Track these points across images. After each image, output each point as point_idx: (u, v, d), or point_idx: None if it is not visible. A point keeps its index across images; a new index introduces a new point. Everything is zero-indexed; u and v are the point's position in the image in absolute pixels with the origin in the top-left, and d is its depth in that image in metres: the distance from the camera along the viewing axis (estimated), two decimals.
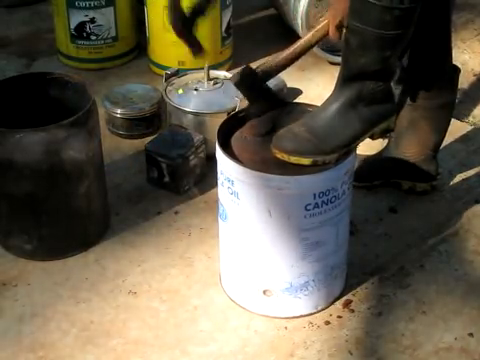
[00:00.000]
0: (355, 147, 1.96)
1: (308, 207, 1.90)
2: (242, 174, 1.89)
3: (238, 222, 1.98)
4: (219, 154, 1.95)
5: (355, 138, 1.94)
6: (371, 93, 1.93)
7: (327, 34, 1.97)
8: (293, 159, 1.90)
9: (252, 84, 2.00)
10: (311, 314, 2.09)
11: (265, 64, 2.01)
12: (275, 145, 1.92)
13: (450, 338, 2.02)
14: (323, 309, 2.10)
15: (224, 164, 1.94)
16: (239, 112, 2.10)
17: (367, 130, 1.95)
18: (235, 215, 1.98)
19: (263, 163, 1.92)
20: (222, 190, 1.99)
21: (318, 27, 1.99)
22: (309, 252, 1.98)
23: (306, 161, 1.90)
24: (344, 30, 1.90)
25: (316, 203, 1.90)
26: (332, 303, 2.12)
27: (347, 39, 1.88)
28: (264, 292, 2.05)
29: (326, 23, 1.97)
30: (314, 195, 1.89)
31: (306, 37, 2.02)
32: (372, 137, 1.99)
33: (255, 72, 1.99)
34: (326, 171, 1.90)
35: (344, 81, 1.93)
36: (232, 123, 2.05)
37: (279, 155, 1.91)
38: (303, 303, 2.07)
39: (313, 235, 1.95)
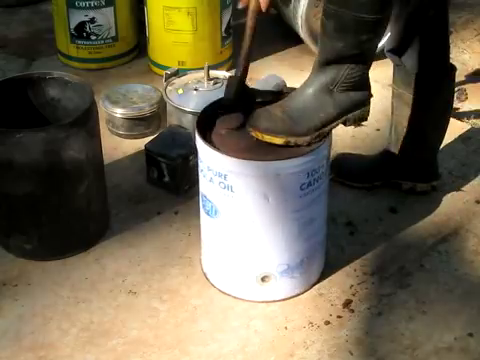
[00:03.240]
0: (328, 131, 1.98)
1: (303, 186, 1.95)
2: (238, 166, 1.91)
3: (233, 215, 2.00)
4: (207, 151, 1.96)
5: (327, 122, 1.96)
6: (347, 78, 1.94)
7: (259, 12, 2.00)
8: (267, 137, 1.92)
9: (243, 91, 2.03)
10: (305, 291, 2.13)
11: (238, 66, 2.04)
12: (250, 124, 1.94)
13: (450, 338, 2.02)
14: (314, 284, 2.16)
15: (215, 159, 1.95)
16: (208, 109, 2.11)
17: (340, 115, 1.97)
18: (229, 208, 1.99)
19: (250, 152, 1.94)
20: (210, 186, 2.00)
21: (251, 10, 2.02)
22: (302, 230, 2.03)
23: (279, 140, 1.92)
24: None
25: (309, 182, 1.96)
26: (319, 279, 2.18)
27: (324, 23, 1.90)
28: (263, 279, 2.07)
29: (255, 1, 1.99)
30: (308, 174, 1.94)
31: (248, 16, 2.04)
32: (345, 123, 2.01)
33: (239, 78, 2.01)
34: (317, 149, 1.94)
35: (321, 65, 1.95)
36: (205, 120, 2.05)
37: (253, 133, 1.93)
38: (298, 282, 2.11)
39: (306, 213, 2.01)
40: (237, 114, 2.06)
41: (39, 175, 2.13)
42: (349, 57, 1.91)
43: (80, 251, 2.29)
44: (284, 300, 2.12)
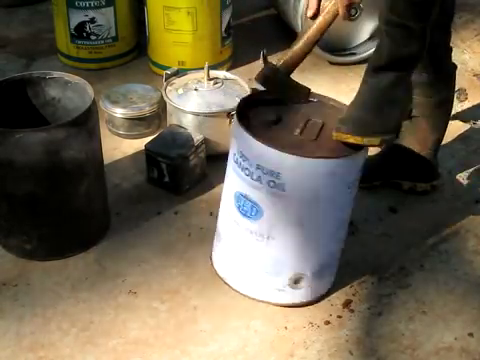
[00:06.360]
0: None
1: (350, 186, 1.95)
2: (295, 163, 1.86)
3: (279, 215, 1.94)
4: (260, 148, 1.88)
5: (403, 114, 2.06)
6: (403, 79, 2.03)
7: (337, 15, 1.99)
8: (366, 140, 1.93)
9: (276, 80, 2.03)
10: (329, 293, 2.13)
11: (284, 58, 2.03)
12: (347, 130, 1.93)
13: (450, 338, 2.03)
14: (337, 284, 2.16)
15: (269, 157, 1.88)
16: (244, 102, 2.07)
17: (407, 107, 2.09)
18: (275, 208, 1.93)
19: (301, 149, 1.89)
20: (256, 186, 1.93)
21: (327, 10, 2.00)
22: (339, 230, 2.03)
23: (376, 141, 1.95)
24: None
25: (353, 181, 1.96)
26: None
27: (389, 32, 1.96)
28: (296, 281, 2.05)
29: (333, 5, 1.98)
30: (356, 174, 1.96)
31: (317, 23, 2.02)
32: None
33: (277, 68, 2.01)
34: (363, 151, 1.95)
35: (380, 69, 2.01)
36: (244, 115, 2.00)
37: (352, 139, 1.92)
38: (324, 284, 2.11)
39: (346, 213, 2.02)
40: (271, 107, 2.02)
41: (39, 175, 2.13)
42: (413, 60, 2.02)
43: (80, 251, 2.28)
44: (312, 303, 2.11)
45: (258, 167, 1.91)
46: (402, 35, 1.96)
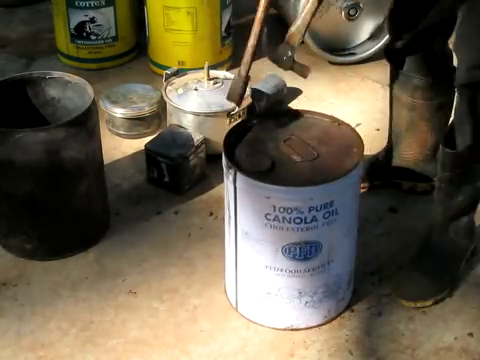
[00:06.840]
0: None
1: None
2: (344, 182, 1.83)
3: (335, 236, 1.91)
4: (308, 190, 1.82)
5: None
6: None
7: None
8: (418, 304, 2.11)
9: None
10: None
11: (244, 64, 2.04)
12: (410, 298, 2.10)
13: (450, 338, 2.02)
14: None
15: (320, 193, 1.82)
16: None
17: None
18: (332, 233, 1.90)
19: (327, 166, 1.87)
20: (311, 227, 1.86)
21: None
22: None
23: (429, 303, 2.11)
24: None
25: None
26: None
27: (444, 188, 2.10)
28: (349, 282, 2.07)
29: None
30: None
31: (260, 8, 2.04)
32: None
33: (245, 79, 2.02)
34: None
35: (447, 223, 2.15)
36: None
37: (419, 303, 2.10)
38: (350, 293, 2.12)
39: None
40: (260, 155, 1.90)
41: (39, 175, 2.13)
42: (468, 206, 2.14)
43: (80, 251, 2.29)
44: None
45: (311, 208, 1.83)
46: (455, 187, 2.06)
